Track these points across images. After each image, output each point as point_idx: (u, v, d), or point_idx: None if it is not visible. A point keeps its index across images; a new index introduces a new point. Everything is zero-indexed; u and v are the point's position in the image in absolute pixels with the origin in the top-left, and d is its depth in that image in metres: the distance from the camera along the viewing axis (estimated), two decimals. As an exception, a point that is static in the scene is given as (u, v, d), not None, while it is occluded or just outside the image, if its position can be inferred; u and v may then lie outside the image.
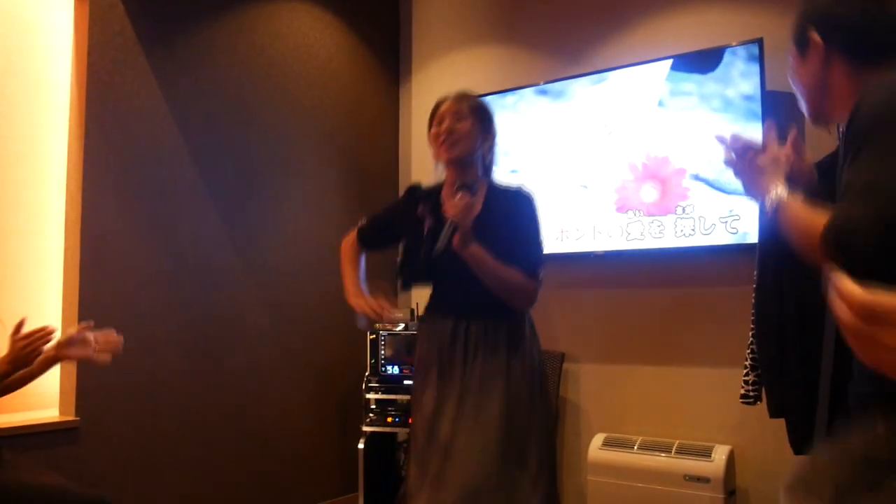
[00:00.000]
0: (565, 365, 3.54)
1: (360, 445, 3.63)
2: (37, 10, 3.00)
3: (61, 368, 2.89)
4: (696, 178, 3.20)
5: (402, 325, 3.76)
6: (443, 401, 2.10)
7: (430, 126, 2.27)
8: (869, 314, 0.82)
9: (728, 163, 1.50)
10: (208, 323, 3.37)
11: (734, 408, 2.82)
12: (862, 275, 1.11)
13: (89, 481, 2.72)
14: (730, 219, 3.11)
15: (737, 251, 3.08)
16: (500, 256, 2.07)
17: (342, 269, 2.44)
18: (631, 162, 3.37)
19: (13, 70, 2.94)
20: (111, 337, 2.24)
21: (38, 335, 2.06)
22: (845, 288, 0.84)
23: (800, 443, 1.84)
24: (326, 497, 3.82)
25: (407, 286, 2.46)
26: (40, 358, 2.23)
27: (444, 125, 2.20)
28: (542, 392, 2.21)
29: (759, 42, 3.05)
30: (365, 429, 3.66)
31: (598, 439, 3.35)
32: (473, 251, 2.05)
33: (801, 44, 1.41)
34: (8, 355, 2.06)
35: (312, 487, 3.77)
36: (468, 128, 2.19)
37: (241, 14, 3.59)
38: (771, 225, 1.39)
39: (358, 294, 2.27)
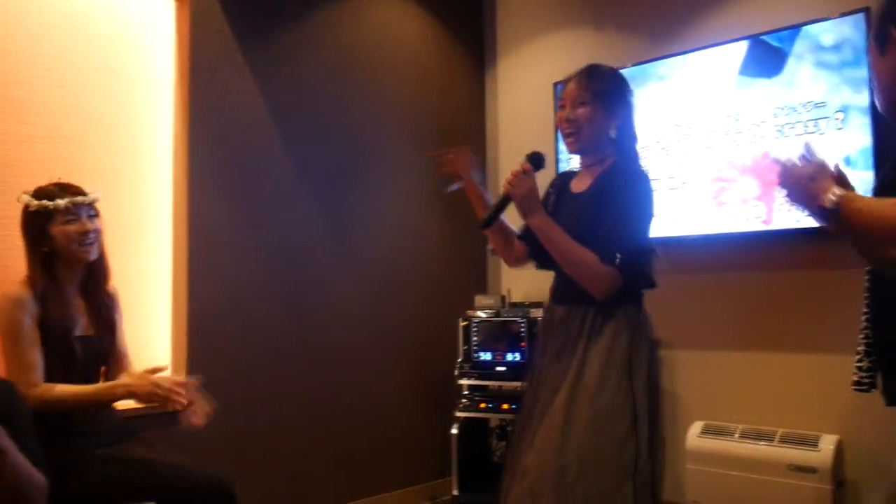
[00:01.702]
0: (660, 352, 3.48)
1: (454, 431, 3.67)
2: (139, 13, 3.13)
3: (172, 355, 3.06)
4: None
5: (492, 312, 3.77)
6: (538, 392, 2.06)
7: (556, 106, 2.21)
8: None
9: (782, 181, 1.52)
10: (306, 309, 3.48)
11: (841, 396, 2.71)
12: None
13: (196, 461, 2.85)
14: (834, 199, 2.98)
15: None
16: (588, 237, 1.96)
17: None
18: (730, 156, 3.29)
19: (119, 71, 3.07)
20: (207, 407, 2.32)
21: (173, 394, 2.17)
22: None
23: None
24: (420, 481, 3.89)
25: (541, 268, 2.28)
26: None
27: (564, 112, 2.10)
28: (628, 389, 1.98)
29: (866, 11, 2.90)
30: (458, 414, 3.69)
31: (696, 427, 3.29)
32: (537, 223, 2.00)
33: (882, 40, 1.50)
34: (135, 388, 2.17)
35: (406, 470, 3.84)
36: (588, 114, 2.06)
37: (330, 10, 3.67)
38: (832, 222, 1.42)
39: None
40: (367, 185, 3.78)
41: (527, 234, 2.16)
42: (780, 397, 3.22)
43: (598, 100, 2.07)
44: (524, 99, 4.24)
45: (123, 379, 2.25)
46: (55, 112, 2.87)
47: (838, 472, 2.91)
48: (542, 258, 2.14)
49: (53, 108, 2.87)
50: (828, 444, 2.92)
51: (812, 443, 2.95)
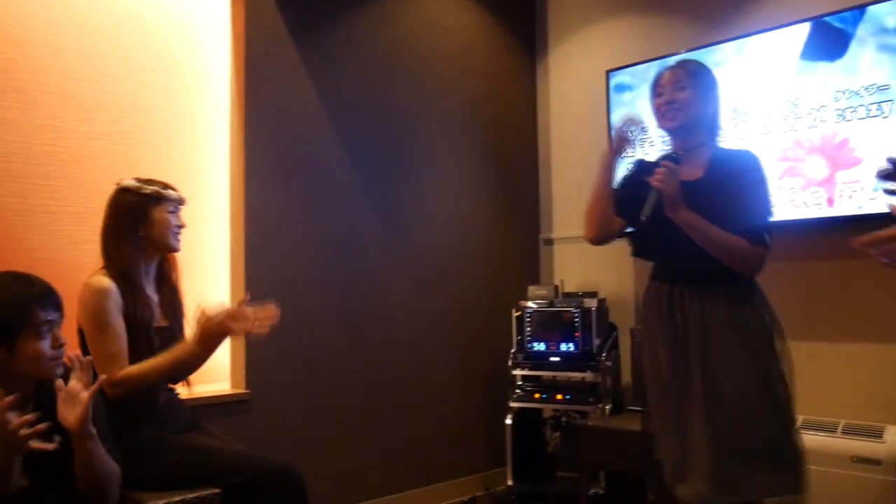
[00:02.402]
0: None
1: (508, 421, 3.68)
2: (194, 10, 3.19)
3: (231, 345, 3.11)
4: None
5: (546, 302, 3.76)
6: (677, 370, 2.16)
7: (652, 97, 2.28)
8: None
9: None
10: (362, 301, 3.51)
11: (908, 386, 2.64)
12: None
13: (260, 449, 2.91)
14: (900, 184, 2.89)
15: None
16: (722, 221, 2.07)
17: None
18: (789, 140, 3.21)
19: (175, 67, 3.13)
20: (269, 310, 2.21)
21: (223, 316, 2.12)
22: None
23: None
24: (475, 470, 3.91)
25: (637, 255, 2.41)
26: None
27: (665, 97, 2.22)
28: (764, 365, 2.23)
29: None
30: (512, 405, 3.70)
31: (754, 418, 3.23)
32: (684, 217, 2.08)
33: None
34: (197, 336, 2.13)
35: (461, 460, 3.86)
36: (688, 97, 2.19)
37: (381, 3, 3.68)
38: None
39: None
40: (420, 176, 3.80)
41: (639, 224, 2.22)
42: (842, 388, 3.15)
43: (696, 85, 2.20)
44: (577, 88, 4.20)
45: (189, 338, 2.19)
46: (113, 109, 2.95)
47: (904, 464, 2.83)
48: (654, 248, 2.29)
49: (111, 105, 2.94)
50: (893, 435, 2.85)
51: (876, 434, 2.88)
